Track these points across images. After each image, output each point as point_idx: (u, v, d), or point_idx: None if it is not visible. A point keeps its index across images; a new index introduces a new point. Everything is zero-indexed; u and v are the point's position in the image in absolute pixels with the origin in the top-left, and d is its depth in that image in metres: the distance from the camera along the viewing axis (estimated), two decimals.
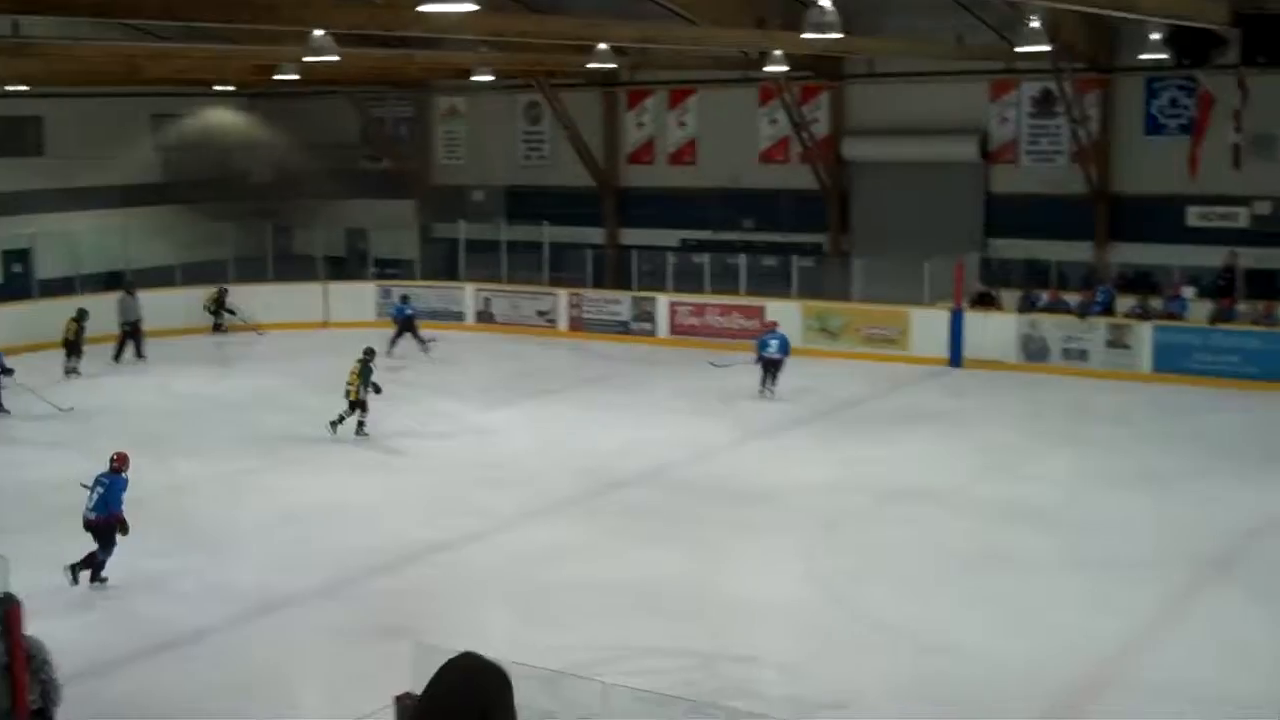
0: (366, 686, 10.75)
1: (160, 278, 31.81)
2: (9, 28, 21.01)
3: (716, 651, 12.58)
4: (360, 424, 21.08)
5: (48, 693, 9.39)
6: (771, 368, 23.70)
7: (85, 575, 14.35)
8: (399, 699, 6.48)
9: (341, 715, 10.52)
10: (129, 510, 14.53)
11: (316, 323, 30.80)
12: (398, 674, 7.75)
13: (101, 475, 14.62)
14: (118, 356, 27.91)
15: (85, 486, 14.66)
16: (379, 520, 17.00)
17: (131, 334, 28.15)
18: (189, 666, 12.62)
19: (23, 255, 31.41)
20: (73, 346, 26.39)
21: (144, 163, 35.27)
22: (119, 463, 14.69)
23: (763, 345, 23.98)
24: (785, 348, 23.88)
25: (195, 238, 33.89)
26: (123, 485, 14.55)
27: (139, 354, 28.12)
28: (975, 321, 26.58)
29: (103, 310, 27.52)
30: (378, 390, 21.32)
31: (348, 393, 21.09)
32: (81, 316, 26.56)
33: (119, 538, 14.42)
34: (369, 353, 21.80)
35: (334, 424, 20.91)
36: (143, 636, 13.26)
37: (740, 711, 8.19)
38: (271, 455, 20.55)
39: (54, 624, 9.39)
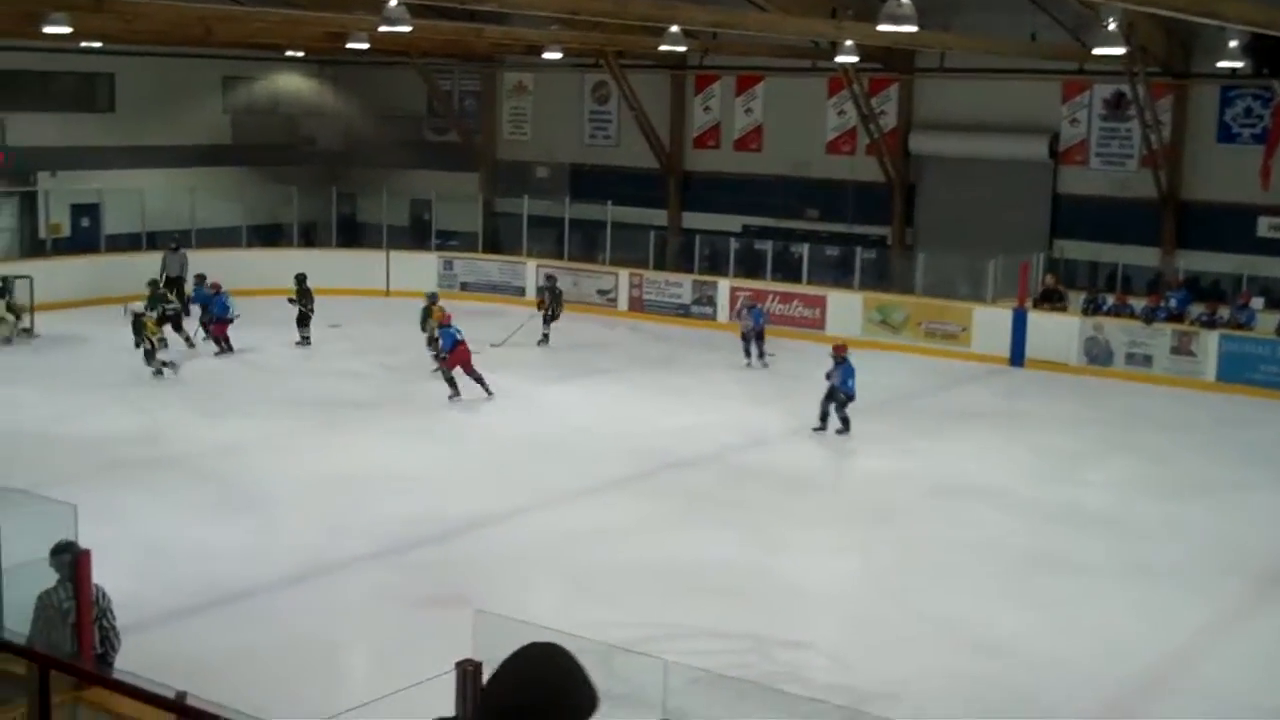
0: (419, 652, 10.85)
1: (227, 238, 32.23)
2: None
3: (768, 635, 12.59)
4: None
5: (108, 639, 9.52)
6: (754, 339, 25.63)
7: None
8: (461, 665, 6.50)
9: (392, 678, 10.60)
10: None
11: (379, 290, 30.93)
12: (453, 641, 7.77)
13: None
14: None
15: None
16: (431, 489, 17.08)
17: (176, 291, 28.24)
18: (236, 625, 12.65)
19: (91, 210, 31.72)
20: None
21: (213, 124, 35.47)
22: None
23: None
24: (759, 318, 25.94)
25: (260, 201, 34.22)
26: None
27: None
28: (1038, 322, 26.35)
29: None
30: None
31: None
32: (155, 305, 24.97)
33: None
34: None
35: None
36: (189, 594, 13.26)
37: (799, 696, 8.18)
38: (325, 419, 20.70)
39: (99, 577, 9.46)
